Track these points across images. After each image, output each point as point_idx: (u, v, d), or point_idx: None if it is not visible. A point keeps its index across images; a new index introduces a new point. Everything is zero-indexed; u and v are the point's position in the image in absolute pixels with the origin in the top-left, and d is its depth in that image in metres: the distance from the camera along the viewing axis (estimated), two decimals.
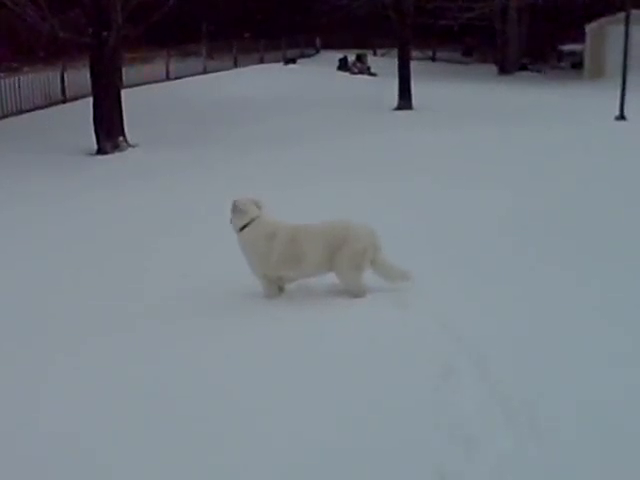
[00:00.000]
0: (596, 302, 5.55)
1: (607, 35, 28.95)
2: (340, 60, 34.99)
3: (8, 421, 4.10)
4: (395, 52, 24.01)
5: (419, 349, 4.76)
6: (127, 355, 4.88)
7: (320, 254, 5.64)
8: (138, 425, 3.99)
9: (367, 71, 33.95)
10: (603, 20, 29.86)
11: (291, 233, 5.73)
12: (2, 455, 3.78)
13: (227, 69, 31.97)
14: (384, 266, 5.75)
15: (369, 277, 5.77)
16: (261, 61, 35.66)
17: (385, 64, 32.17)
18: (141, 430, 3.94)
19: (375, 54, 39.26)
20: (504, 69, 36.05)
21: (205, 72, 30.41)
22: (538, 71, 35.90)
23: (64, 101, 21.23)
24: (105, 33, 13.94)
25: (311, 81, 28.09)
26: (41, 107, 20.19)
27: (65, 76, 21.34)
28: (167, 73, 27.94)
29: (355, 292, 5.69)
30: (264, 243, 5.70)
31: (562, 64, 37.81)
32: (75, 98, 20.90)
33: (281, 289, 5.89)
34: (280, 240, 5.69)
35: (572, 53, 36.43)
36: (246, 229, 5.76)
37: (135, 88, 23.06)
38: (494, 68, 36.77)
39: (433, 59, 40.23)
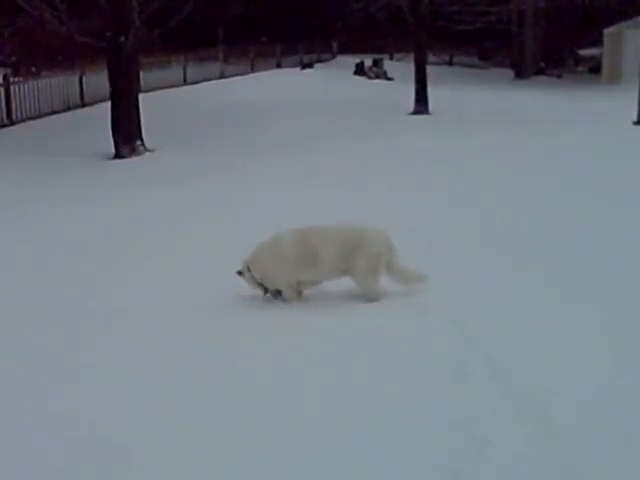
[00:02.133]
0: (609, 302, 5.56)
1: (625, 39, 28.79)
2: (357, 65, 35.00)
3: (15, 421, 4.13)
4: (411, 57, 24.00)
5: (432, 350, 4.79)
6: (141, 351, 4.95)
7: (334, 255, 5.65)
8: (152, 422, 4.04)
9: (384, 76, 33.94)
10: (621, 24, 29.72)
11: (297, 234, 5.76)
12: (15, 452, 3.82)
13: (244, 74, 32.08)
14: (399, 270, 5.76)
15: (382, 279, 5.77)
16: (278, 66, 35.74)
17: (402, 69, 32.16)
18: (155, 425, 4.00)
19: (392, 59, 39.24)
20: (521, 74, 35.95)
21: (222, 77, 30.52)
22: (558, 76, 35.75)
23: (82, 105, 21.38)
24: (122, 37, 14.01)
25: (328, 86, 28.12)
26: (59, 111, 20.33)
27: (83, 80, 21.50)
28: (184, 77, 28.07)
29: (372, 296, 5.69)
30: (271, 249, 5.77)
31: (580, 68, 37.67)
32: (93, 102, 21.06)
33: (299, 294, 5.89)
34: (287, 242, 5.74)
35: (590, 57, 36.28)
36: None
37: (152, 93, 23.18)
38: (511, 73, 36.68)
39: (450, 64, 40.17)
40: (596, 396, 4.14)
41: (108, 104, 14.83)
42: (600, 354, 4.69)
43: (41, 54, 25.25)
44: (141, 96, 15.45)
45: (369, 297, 5.70)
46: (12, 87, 18.48)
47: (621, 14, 30.13)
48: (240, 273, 5.81)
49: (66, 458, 3.73)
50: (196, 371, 4.61)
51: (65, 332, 5.35)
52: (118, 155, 14.25)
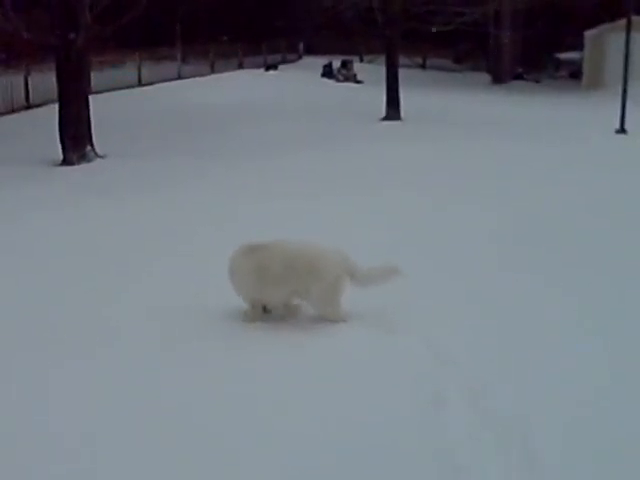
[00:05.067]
0: (592, 325, 5.62)
1: (607, 43, 29.21)
2: (324, 66, 35.15)
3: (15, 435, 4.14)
4: (383, 59, 24.12)
5: (407, 375, 4.79)
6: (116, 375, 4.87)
7: (279, 274, 5.59)
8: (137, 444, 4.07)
9: (353, 78, 34.11)
10: (603, 27, 30.14)
11: (247, 250, 5.76)
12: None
13: (203, 74, 32.04)
14: (367, 277, 5.68)
15: (357, 299, 5.70)
16: (240, 66, 35.76)
17: (372, 71, 32.38)
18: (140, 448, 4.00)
19: (361, 60, 39.47)
20: (498, 78, 36.31)
21: (180, 77, 30.46)
22: (537, 81, 36.18)
23: (28, 107, 21.16)
24: (72, 34, 13.87)
25: (293, 88, 28.18)
26: (2, 113, 20.10)
27: (29, 80, 21.26)
28: (139, 78, 27.93)
29: (334, 320, 5.64)
30: (229, 263, 5.79)
31: (560, 73, 38.16)
32: (40, 104, 20.84)
33: (267, 311, 5.84)
34: (235, 258, 5.76)
35: (570, 61, 36.77)
36: None
37: (104, 94, 23.05)
38: (487, 77, 37.06)
39: (423, 67, 40.51)
40: (581, 424, 4.16)
41: (56, 106, 14.66)
42: (587, 378, 4.72)
43: None
44: (92, 98, 15.30)
45: (331, 320, 5.66)
46: None
47: (603, 16, 30.58)
48: None
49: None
50: (172, 391, 4.64)
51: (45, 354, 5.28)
52: (66, 161, 14.07)
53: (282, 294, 5.72)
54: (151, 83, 28.07)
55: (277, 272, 5.59)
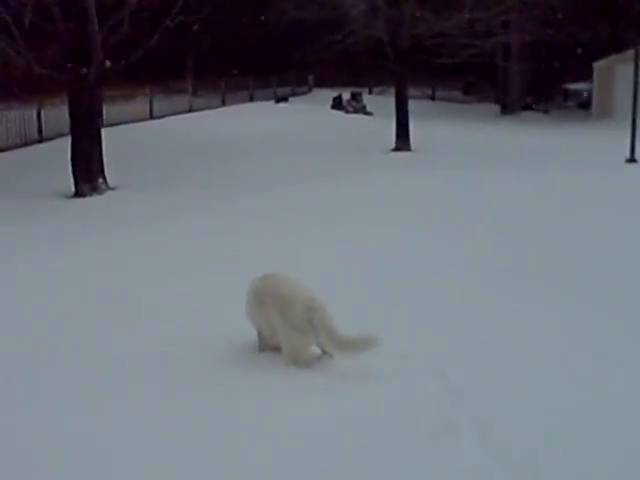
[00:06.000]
0: (600, 357, 5.53)
1: (616, 73, 29.33)
2: (334, 98, 35.37)
3: None
4: (391, 90, 24.25)
5: (414, 406, 4.70)
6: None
7: (267, 306, 5.53)
8: None
9: (362, 110, 34.30)
10: (612, 58, 30.27)
11: (258, 277, 5.79)
12: None
13: (214, 107, 32.29)
14: (343, 343, 5.28)
15: (361, 328, 5.62)
16: (250, 99, 36.03)
17: (381, 103, 32.54)
18: None
19: (371, 92, 39.73)
20: (506, 109, 36.47)
21: (191, 110, 30.67)
22: (545, 111, 36.29)
23: (40, 140, 21.31)
24: (85, 69, 14.01)
25: (303, 120, 28.32)
26: (16, 147, 20.24)
27: (42, 114, 21.43)
28: (150, 111, 28.13)
29: (291, 358, 5.41)
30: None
31: (569, 104, 38.27)
32: (52, 137, 21.00)
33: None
34: (251, 283, 5.81)
35: (579, 92, 36.89)
36: None
37: (116, 127, 23.21)
38: (496, 107, 37.20)
39: (432, 98, 40.74)
40: (594, 455, 4.08)
41: (68, 139, 14.77)
42: (599, 408, 4.64)
43: None
44: (104, 131, 15.42)
45: (288, 358, 5.39)
46: None
47: (612, 47, 30.74)
48: None
49: None
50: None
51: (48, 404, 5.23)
52: (78, 194, 14.16)
53: (269, 325, 5.60)
54: (162, 116, 28.26)
55: (266, 303, 5.55)
